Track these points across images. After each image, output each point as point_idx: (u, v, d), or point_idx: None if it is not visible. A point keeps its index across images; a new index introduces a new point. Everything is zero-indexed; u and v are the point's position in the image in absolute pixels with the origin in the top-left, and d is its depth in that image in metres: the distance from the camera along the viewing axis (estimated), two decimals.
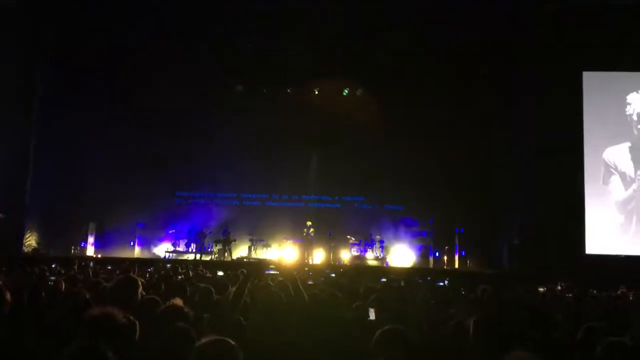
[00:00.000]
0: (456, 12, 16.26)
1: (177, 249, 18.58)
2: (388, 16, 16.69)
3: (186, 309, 3.43)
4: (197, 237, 18.16)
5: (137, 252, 18.84)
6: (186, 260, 16.28)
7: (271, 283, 5.95)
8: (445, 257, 18.25)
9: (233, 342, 2.41)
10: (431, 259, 18.71)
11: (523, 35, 16.38)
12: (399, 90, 17.73)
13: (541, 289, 10.27)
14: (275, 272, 8.26)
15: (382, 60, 17.65)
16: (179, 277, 8.31)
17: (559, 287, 10.87)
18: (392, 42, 17.18)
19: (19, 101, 17.18)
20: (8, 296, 3.46)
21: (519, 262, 16.08)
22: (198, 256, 17.77)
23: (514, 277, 13.20)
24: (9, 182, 16.93)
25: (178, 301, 3.48)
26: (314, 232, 17.83)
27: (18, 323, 3.42)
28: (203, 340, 2.42)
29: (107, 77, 17.89)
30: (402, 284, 9.04)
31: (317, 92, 19.03)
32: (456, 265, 17.96)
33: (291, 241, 18.29)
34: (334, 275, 10.32)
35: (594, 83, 16.84)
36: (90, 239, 18.47)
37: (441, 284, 11.27)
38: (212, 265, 13.86)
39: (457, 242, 18.22)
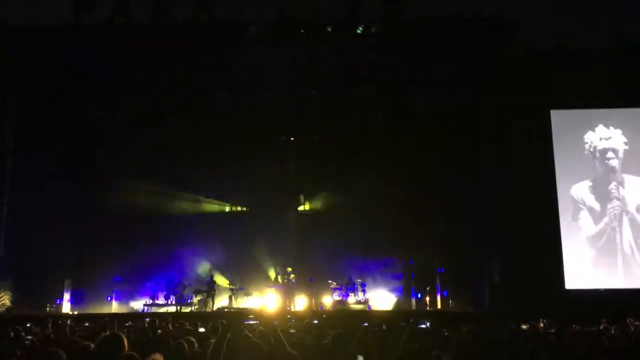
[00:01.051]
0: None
1: (157, 301, 18.21)
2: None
3: None
4: (175, 289, 17.86)
5: (114, 307, 18.45)
6: (166, 313, 15.98)
7: (250, 334, 5.87)
8: (428, 298, 18.20)
9: None
10: (413, 300, 18.65)
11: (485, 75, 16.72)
12: (369, 140, 18.02)
13: (524, 327, 10.28)
14: (255, 322, 8.15)
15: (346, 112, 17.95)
16: (158, 331, 8.14)
17: (541, 325, 10.88)
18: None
19: None
20: None
21: (500, 301, 16.08)
22: (177, 308, 17.43)
23: (497, 316, 13.20)
24: None
25: (158, 357, 3.42)
26: (295, 278, 17.71)
27: None
28: None
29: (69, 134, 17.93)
30: (384, 327, 8.98)
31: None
32: (439, 306, 17.90)
33: (272, 288, 18.09)
34: (316, 321, 10.20)
35: (559, 121, 17.33)
36: (66, 296, 18.06)
37: (422, 326, 11.19)
38: (193, 317, 13.61)
39: (438, 282, 18.22)
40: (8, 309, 16.76)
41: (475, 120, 16.96)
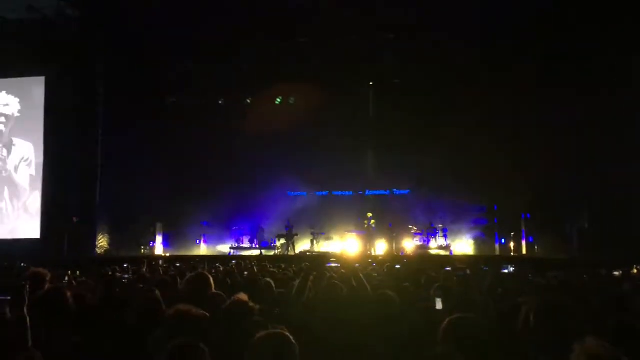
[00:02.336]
0: None
1: (242, 245, 18.97)
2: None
3: (251, 304, 3.49)
4: (257, 234, 18.56)
5: (203, 249, 19.40)
6: (250, 256, 16.60)
7: (334, 275, 5.96)
8: (512, 244, 17.78)
9: (289, 335, 2.43)
10: (497, 246, 18.29)
11: None
12: (460, 77, 17.32)
13: (616, 273, 9.81)
14: (337, 265, 8.26)
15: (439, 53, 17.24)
16: (245, 273, 8.46)
17: (635, 271, 10.34)
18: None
19: (83, 117, 18.02)
20: (69, 295, 3.59)
21: (590, 247, 15.39)
22: (260, 251, 18.07)
23: (586, 263, 12.65)
24: (81, 189, 17.80)
25: (243, 296, 3.54)
26: (375, 223, 17.78)
27: (85, 324, 3.55)
28: (260, 334, 2.45)
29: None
30: (468, 272, 8.84)
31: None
32: (524, 252, 17.44)
33: (353, 233, 18.31)
34: (398, 266, 10.23)
35: None
36: (159, 239, 19.14)
37: (505, 270, 10.95)
38: (276, 260, 14.04)
39: (523, 228, 17.67)
40: (106, 251, 18.05)
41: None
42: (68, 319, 3.39)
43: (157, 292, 3.93)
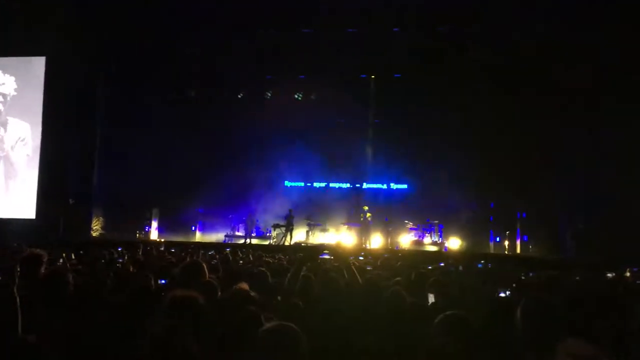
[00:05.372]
0: None
1: (237, 233, 18.99)
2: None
3: (252, 293, 3.51)
4: (251, 223, 18.59)
5: (198, 236, 19.42)
6: (245, 244, 16.63)
7: (325, 268, 5.98)
8: (507, 242, 17.84)
9: (295, 327, 2.43)
10: (491, 244, 18.35)
11: None
12: (460, 74, 17.29)
13: (609, 275, 9.85)
14: (330, 257, 8.27)
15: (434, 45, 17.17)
16: (240, 261, 8.47)
17: (628, 274, 10.38)
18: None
19: (84, 100, 17.98)
20: (70, 277, 3.62)
21: (584, 248, 15.46)
22: (248, 240, 18.08)
23: (580, 264, 12.70)
24: (78, 172, 17.81)
25: (244, 285, 3.56)
26: (371, 217, 17.81)
27: (81, 304, 3.57)
28: (267, 325, 2.45)
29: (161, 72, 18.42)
30: (460, 268, 8.89)
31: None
32: (518, 251, 17.51)
33: (348, 226, 18.34)
34: (399, 263, 10.29)
35: None
36: (154, 224, 19.16)
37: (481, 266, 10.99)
38: (271, 250, 14.07)
39: (518, 226, 17.74)
40: (101, 234, 18.06)
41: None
42: (67, 300, 3.41)
43: (152, 277, 3.95)
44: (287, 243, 17.61)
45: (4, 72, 18.28)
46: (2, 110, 18.23)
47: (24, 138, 18.07)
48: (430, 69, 17.46)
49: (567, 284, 6.15)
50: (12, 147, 18.12)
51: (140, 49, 18.03)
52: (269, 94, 19.52)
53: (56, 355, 2.31)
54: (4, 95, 18.22)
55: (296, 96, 19.50)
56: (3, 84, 18.17)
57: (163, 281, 4.78)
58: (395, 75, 18.74)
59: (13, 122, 18.20)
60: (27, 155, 18.09)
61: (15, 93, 18.25)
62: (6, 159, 18.14)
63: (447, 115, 17.37)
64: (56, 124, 17.78)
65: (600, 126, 15.14)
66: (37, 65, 18.17)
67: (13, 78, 18.26)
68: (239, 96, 19.67)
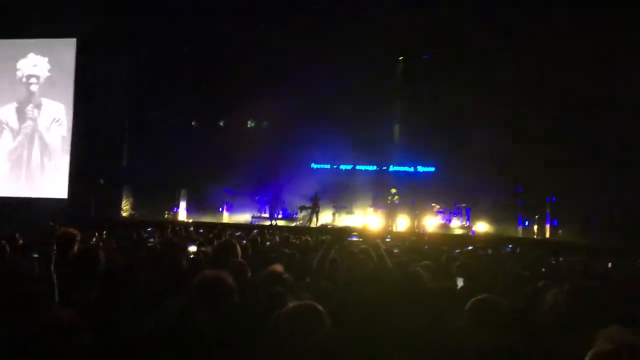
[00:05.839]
0: None
1: (263, 214, 19.11)
2: None
3: (285, 275, 3.53)
4: (272, 204, 18.67)
5: (225, 217, 19.61)
6: (272, 226, 16.73)
7: (355, 250, 5.97)
8: (535, 226, 17.60)
9: (318, 305, 2.43)
10: (520, 228, 18.13)
11: None
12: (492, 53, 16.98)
13: None
14: (358, 239, 8.26)
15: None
16: (267, 243, 8.54)
17: None
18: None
19: (113, 81, 18.14)
20: (102, 256, 3.70)
21: (615, 233, 15.14)
22: (274, 222, 18.17)
23: (610, 250, 12.48)
24: (108, 153, 18.09)
25: (278, 267, 3.59)
26: (398, 199, 17.72)
27: (114, 281, 3.64)
28: (288, 306, 2.46)
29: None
30: (489, 252, 8.81)
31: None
32: (547, 235, 17.27)
33: (375, 208, 18.29)
34: (413, 238, 10.25)
35: None
36: (182, 205, 19.40)
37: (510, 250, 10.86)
38: (298, 231, 14.13)
39: (548, 211, 17.46)
40: (130, 215, 18.38)
41: None
42: (99, 278, 3.49)
43: (183, 257, 4.00)
44: (313, 225, 17.66)
45: (36, 53, 18.55)
46: (36, 91, 18.55)
47: (58, 119, 18.39)
48: (458, 49, 17.19)
49: (600, 270, 6.05)
50: (46, 128, 18.46)
51: (169, 31, 18.10)
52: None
53: (91, 329, 2.36)
54: (37, 77, 18.52)
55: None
56: (35, 65, 18.46)
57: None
58: (424, 57, 18.49)
59: (47, 103, 18.52)
60: (62, 136, 18.42)
61: (48, 74, 18.54)
62: (41, 140, 18.50)
63: (475, 98, 17.09)
64: (87, 105, 18.05)
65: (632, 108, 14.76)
66: (69, 46, 18.39)
67: (46, 59, 18.53)
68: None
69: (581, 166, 15.93)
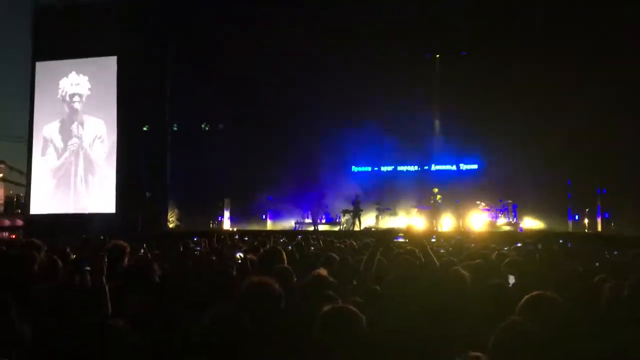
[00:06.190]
0: None
1: (306, 220, 19.15)
2: None
3: (331, 279, 3.52)
4: (315, 209, 18.68)
5: (269, 224, 19.75)
6: (316, 231, 16.75)
7: (401, 251, 5.90)
8: (586, 220, 17.06)
9: (354, 309, 2.43)
10: (570, 222, 17.62)
11: None
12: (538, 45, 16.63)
13: None
14: (404, 241, 8.17)
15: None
16: (311, 247, 8.53)
17: None
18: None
19: (153, 94, 18.65)
20: (156, 266, 3.78)
21: None
22: (316, 227, 18.16)
23: None
24: (153, 167, 18.53)
25: (323, 271, 3.58)
26: (441, 198, 17.48)
27: (166, 291, 3.71)
28: (325, 308, 2.46)
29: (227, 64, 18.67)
30: (539, 247, 8.56)
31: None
32: (599, 229, 16.71)
33: (418, 209, 18.09)
34: (459, 237, 10.06)
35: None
36: (227, 214, 19.65)
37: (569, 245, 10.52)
38: (341, 235, 14.09)
39: (599, 203, 16.89)
40: (177, 226, 18.72)
41: None
42: (153, 288, 3.57)
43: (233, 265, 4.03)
44: (356, 228, 17.59)
45: (78, 72, 19.17)
46: (79, 109, 19.15)
47: (100, 135, 18.95)
48: (497, 46, 16.88)
49: None
50: (90, 145, 19.03)
51: (205, 45, 18.42)
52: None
53: (144, 339, 2.41)
54: (80, 96, 19.13)
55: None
56: (78, 84, 19.08)
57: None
58: (462, 53, 18.23)
59: (90, 120, 19.11)
60: (105, 152, 18.95)
61: (89, 93, 19.13)
62: (86, 157, 19.07)
63: (516, 90, 16.75)
64: (130, 121, 18.54)
65: None
66: (110, 64, 18.94)
67: (86, 78, 19.14)
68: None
69: (630, 157, 15.39)
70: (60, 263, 4.29)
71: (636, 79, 15.01)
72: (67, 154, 19.22)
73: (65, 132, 19.27)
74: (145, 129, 18.62)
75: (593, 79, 15.52)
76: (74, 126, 19.21)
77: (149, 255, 6.34)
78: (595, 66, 15.59)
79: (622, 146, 15.57)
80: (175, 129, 19.62)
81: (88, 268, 3.40)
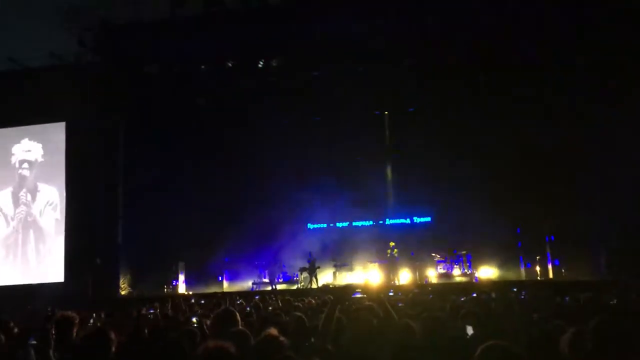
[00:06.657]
0: None
1: (263, 280, 18.85)
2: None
3: (281, 338, 3.46)
4: (277, 268, 18.49)
5: (225, 286, 19.33)
6: (273, 290, 16.50)
7: (358, 308, 5.88)
8: (538, 267, 17.43)
9: None
10: (522, 270, 17.96)
11: None
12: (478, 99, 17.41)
13: None
14: (362, 296, 8.15)
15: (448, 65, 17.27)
16: (269, 308, 8.39)
17: None
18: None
19: (103, 159, 18.45)
20: (113, 335, 3.63)
21: (619, 268, 14.98)
22: (274, 286, 17.92)
23: (617, 284, 12.32)
24: (103, 232, 18.03)
25: (273, 331, 3.52)
26: (397, 252, 17.61)
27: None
28: None
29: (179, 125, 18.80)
30: (493, 295, 8.68)
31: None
32: (550, 275, 17.09)
33: (375, 263, 18.13)
34: (431, 296, 10.11)
35: None
36: (181, 277, 19.15)
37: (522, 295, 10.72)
38: (299, 294, 13.93)
39: (548, 250, 17.35)
40: (129, 292, 18.09)
41: None
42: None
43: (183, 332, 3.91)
44: (314, 286, 17.43)
45: (30, 139, 18.79)
46: (28, 176, 18.64)
47: (52, 202, 18.42)
48: (444, 99, 17.56)
49: (608, 305, 5.96)
50: (40, 212, 18.46)
51: (156, 103, 18.45)
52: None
53: None
54: (30, 163, 18.67)
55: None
56: (29, 150, 18.66)
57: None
58: (410, 110, 18.86)
59: (41, 187, 18.61)
60: (56, 219, 18.38)
61: (42, 159, 18.71)
62: (35, 225, 18.44)
63: (464, 144, 17.32)
64: (79, 186, 18.12)
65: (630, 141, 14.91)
66: (59, 130, 18.64)
67: (40, 145, 18.75)
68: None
69: (579, 203, 15.98)
70: (2, 338, 4.07)
71: (578, 126, 15.78)
72: (14, 222, 18.56)
73: (15, 200, 18.67)
74: (94, 194, 18.16)
75: (538, 129, 16.17)
76: (22, 193, 18.65)
77: (98, 324, 6.10)
78: (539, 115, 16.34)
79: (567, 194, 16.17)
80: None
81: (34, 342, 3.25)
